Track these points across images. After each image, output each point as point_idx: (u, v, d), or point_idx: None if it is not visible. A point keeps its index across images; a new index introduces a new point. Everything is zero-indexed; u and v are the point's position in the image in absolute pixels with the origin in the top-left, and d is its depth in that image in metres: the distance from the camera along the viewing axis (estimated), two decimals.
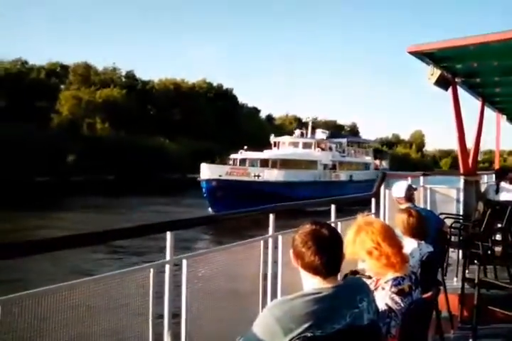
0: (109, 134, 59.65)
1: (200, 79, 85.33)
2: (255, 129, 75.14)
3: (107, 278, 2.88)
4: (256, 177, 34.46)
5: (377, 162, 55.84)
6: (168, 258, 3.22)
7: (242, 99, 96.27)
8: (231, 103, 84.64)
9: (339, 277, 4.59)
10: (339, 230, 4.98)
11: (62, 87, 67.46)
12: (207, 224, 3.80)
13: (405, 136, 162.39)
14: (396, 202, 5.18)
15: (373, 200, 6.02)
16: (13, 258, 2.64)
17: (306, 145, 43.47)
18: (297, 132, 46.84)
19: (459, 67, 7.57)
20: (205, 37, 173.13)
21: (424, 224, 3.85)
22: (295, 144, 44.07)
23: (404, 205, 4.94)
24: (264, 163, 37.39)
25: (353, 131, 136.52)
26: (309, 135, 47.87)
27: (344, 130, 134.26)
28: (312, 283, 2.04)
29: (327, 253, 2.02)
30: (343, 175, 44.46)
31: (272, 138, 45.39)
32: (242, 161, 38.20)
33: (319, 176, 40.53)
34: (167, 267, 3.22)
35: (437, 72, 7.05)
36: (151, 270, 3.08)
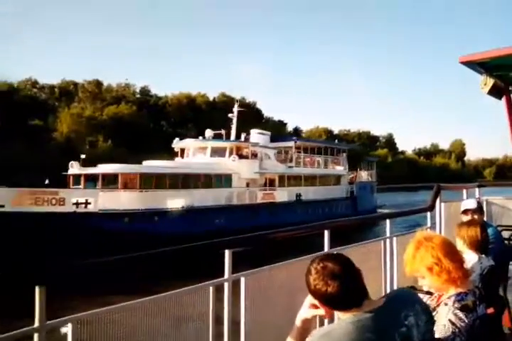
0: (109, 153, 54.63)
1: (219, 93, 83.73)
2: None
3: (167, 298, 2.94)
4: (79, 206, 20.10)
5: (363, 173, 42.18)
6: (226, 276, 3.26)
7: (269, 113, 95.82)
8: (253, 116, 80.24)
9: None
10: (394, 245, 4.93)
11: (75, 104, 66.26)
12: (265, 242, 3.81)
13: (445, 145, 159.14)
14: (465, 215, 5.00)
15: (429, 214, 5.91)
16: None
17: (217, 152, 29.37)
18: (208, 133, 31.35)
19: None
20: (241, 55, 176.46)
21: (488, 238, 3.77)
22: (203, 150, 30.00)
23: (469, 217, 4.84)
24: (111, 182, 23.50)
25: (389, 141, 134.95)
26: (233, 137, 33.22)
27: (379, 141, 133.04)
28: (349, 313, 1.95)
29: (350, 283, 1.94)
30: (281, 195, 30.60)
31: (175, 143, 31.33)
32: (76, 179, 23.91)
33: (232, 198, 27.21)
34: (226, 285, 3.26)
35: (490, 82, 6.90)
36: (211, 288, 3.13)
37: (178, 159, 30.66)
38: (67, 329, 2.42)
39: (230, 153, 29.00)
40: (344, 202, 36.60)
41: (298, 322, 2.20)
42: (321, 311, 2.08)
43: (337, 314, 2.03)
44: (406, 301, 2.12)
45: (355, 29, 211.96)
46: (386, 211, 35.58)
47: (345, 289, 1.92)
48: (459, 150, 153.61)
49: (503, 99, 7.65)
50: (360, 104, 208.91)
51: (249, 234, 3.59)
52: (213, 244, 3.32)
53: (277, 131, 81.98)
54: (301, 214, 29.02)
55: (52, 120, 60.78)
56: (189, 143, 31.05)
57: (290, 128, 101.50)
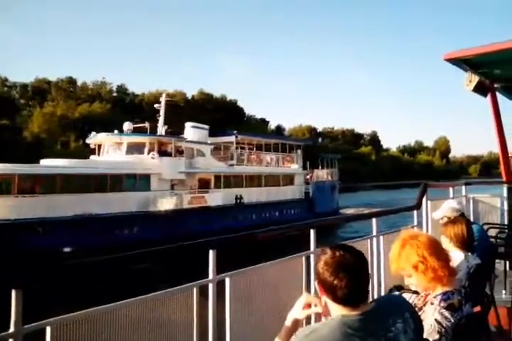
0: (80, 152, 50.90)
1: (198, 91, 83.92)
2: None
3: (150, 298, 2.88)
4: None
5: (321, 172, 37.08)
6: (211, 276, 3.21)
7: (251, 111, 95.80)
8: (233, 114, 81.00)
9: (383, 292, 4.51)
10: (381, 244, 4.90)
11: (49, 103, 64.47)
12: (249, 241, 3.75)
13: (429, 142, 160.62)
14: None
15: (415, 212, 5.89)
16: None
17: (135, 148, 25.02)
18: (126, 126, 26.62)
19: (497, 73, 7.42)
20: (226, 55, 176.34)
21: (473, 236, 3.76)
22: (119, 146, 25.50)
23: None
24: None
25: (374, 139, 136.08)
26: (160, 130, 28.40)
27: (363, 139, 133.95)
28: (340, 311, 1.93)
29: (358, 281, 1.91)
30: (214, 198, 25.92)
31: (90, 138, 26.84)
32: None
33: (149, 203, 22.65)
34: (210, 286, 3.21)
35: (475, 79, 6.92)
36: (195, 289, 3.08)
37: (93, 157, 26.49)
38: (47, 334, 2.36)
39: (151, 150, 24.74)
40: (298, 204, 32.85)
41: (288, 322, 2.15)
42: (316, 309, 2.04)
43: (332, 308, 1.97)
44: (395, 307, 2.08)
45: (339, 27, 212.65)
46: (350, 211, 34.67)
47: (351, 286, 1.89)
48: (443, 148, 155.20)
49: (488, 96, 7.68)
50: (345, 102, 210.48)
51: (234, 234, 3.54)
52: (197, 244, 3.26)
53: (256, 128, 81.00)
54: (242, 220, 25.91)
55: (22, 119, 59.05)
56: (103, 139, 26.20)
57: (273, 126, 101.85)
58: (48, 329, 2.34)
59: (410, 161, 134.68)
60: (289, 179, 33.78)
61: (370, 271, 4.66)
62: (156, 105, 30.80)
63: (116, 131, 26.29)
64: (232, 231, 3.88)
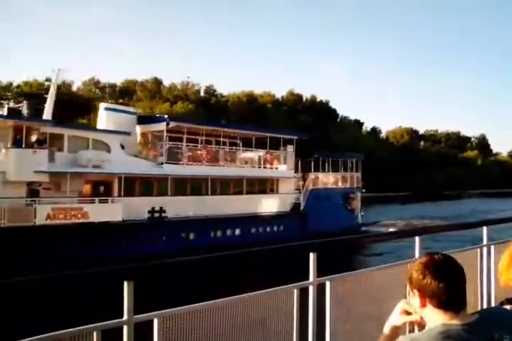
0: None
1: (287, 91, 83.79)
2: (347, 141, 66.53)
3: (251, 298, 2.93)
4: None
5: (327, 176, 28.39)
6: (311, 279, 3.20)
7: (345, 112, 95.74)
8: (325, 115, 79.93)
9: (493, 305, 4.27)
10: (492, 254, 4.63)
11: (139, 103, 64.79)
12: (349, 246, 3.69)
13: None
14: None
15: None
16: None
17: None
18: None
19: None
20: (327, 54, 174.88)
21: None
22: None
23: None
24: None
25: (482, 142, 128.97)
26: (48, 116, 20.71)
27: (471, 142, 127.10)
28: (441, 320, 1.84)
29: (460, 284, 1.86)
30: (105, 211, 18.44)
31: None
32: None
33: None
34: (310, 288, 3.20)
35: None
36: (295, 291, 3.09)
37: None
38: (154, 325, 2.46)
39: (2, 138, 17.85)
40: (280, 219, 24.80)
41: (386, 329, 2.11)
42: (414, 317, 1.98)
43: (430, 318, 1.89)
44: (502, 322, 1.95)
45: (445, 27, 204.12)
46: (376, 229, 25.92)
47: (455, 288, 1.84)
48: None
49: None
50: (450, 103, 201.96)
51: (335, 238, 3.51)
52: (297, 246, 3.27)
53: (347, 129, 79.06)
54: (167, 242, 19.05)
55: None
56: None
57: (369, 128, 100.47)
58: (156, 321, 2.45)
59: None
60: (266, 184, 25.92)
61: (479, 282, 4.47)
62: (46, 83, 24.44)
63: None
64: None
